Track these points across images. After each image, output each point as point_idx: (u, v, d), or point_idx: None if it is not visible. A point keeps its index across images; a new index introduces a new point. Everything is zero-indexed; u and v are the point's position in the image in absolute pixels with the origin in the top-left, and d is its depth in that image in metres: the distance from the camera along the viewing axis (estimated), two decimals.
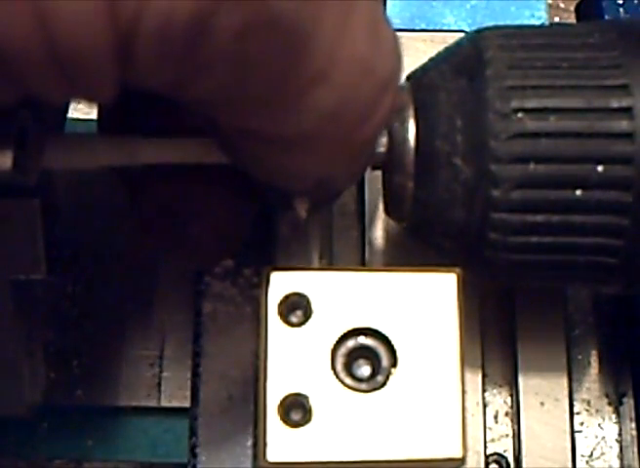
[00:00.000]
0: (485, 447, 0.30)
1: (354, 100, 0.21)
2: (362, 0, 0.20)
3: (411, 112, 0.26)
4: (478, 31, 0.27)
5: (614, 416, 0.32)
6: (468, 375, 0.30)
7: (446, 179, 0.25)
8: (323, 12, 0.19)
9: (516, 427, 0.30)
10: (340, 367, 0.25)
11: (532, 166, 0.24)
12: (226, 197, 0.24)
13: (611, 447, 0.31)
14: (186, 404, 0.31)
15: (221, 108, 0.21)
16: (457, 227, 0.26)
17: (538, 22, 0.34)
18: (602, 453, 0.31)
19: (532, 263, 0.26)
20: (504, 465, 0.30)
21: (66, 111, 0.28)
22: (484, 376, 0.31)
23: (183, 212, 0.25)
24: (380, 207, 0.30)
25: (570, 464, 0.30)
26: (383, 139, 0.26)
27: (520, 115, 0.24)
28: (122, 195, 0.26)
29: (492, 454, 0.30)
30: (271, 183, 0.23)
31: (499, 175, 0.24)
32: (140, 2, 0.17)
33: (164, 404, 0.32)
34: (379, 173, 0.27)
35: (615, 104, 0.24)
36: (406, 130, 0.26)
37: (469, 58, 0.26)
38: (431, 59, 0.27)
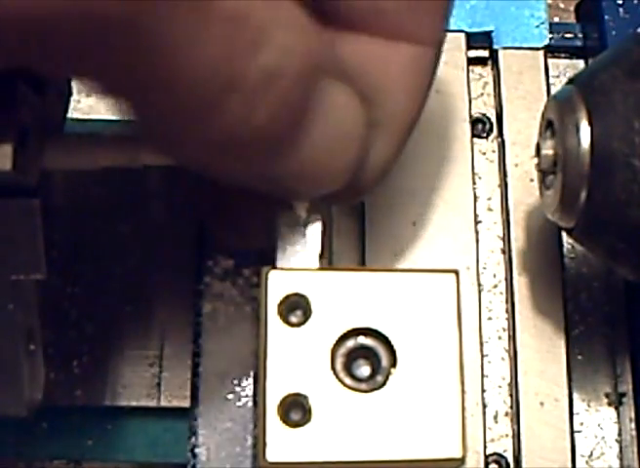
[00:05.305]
0: (485, 447, 0.30)
1: (200, 98, 0.21)
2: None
3: (584, 115, 0.26)
4: None
5: (614, 416, 0.32)
6: (468, 375, 0.30)
7: (623, 180, 0.26)
8: (173, 12, 0.19)
9: (516, 427, 0.30)
10: (339, 367, 0.25)
11: None
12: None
13: (611, 447, 0.31)
14: (186, 404, 0.31)
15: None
16: (632, 227, 0.26)
17: (537, 22, 0.34)
18: (602, 453, 0.31)
19: None
20: (504, 465, 0.30)
21: (66, 111, 0.28)
22: (484, 376, 0.31)
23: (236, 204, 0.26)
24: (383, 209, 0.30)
25: (570, 464, 0.30)
26: (549, 142, 0.27)
27: None
28: (124, 193, 0.26)
29: (491, 454, 0.30)
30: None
31: None
32: None
33: (164, 404, 0.32)
34: None
35: None
36: (580, 132, 0.26)
37: None
38: (594, 63, 0.27)
